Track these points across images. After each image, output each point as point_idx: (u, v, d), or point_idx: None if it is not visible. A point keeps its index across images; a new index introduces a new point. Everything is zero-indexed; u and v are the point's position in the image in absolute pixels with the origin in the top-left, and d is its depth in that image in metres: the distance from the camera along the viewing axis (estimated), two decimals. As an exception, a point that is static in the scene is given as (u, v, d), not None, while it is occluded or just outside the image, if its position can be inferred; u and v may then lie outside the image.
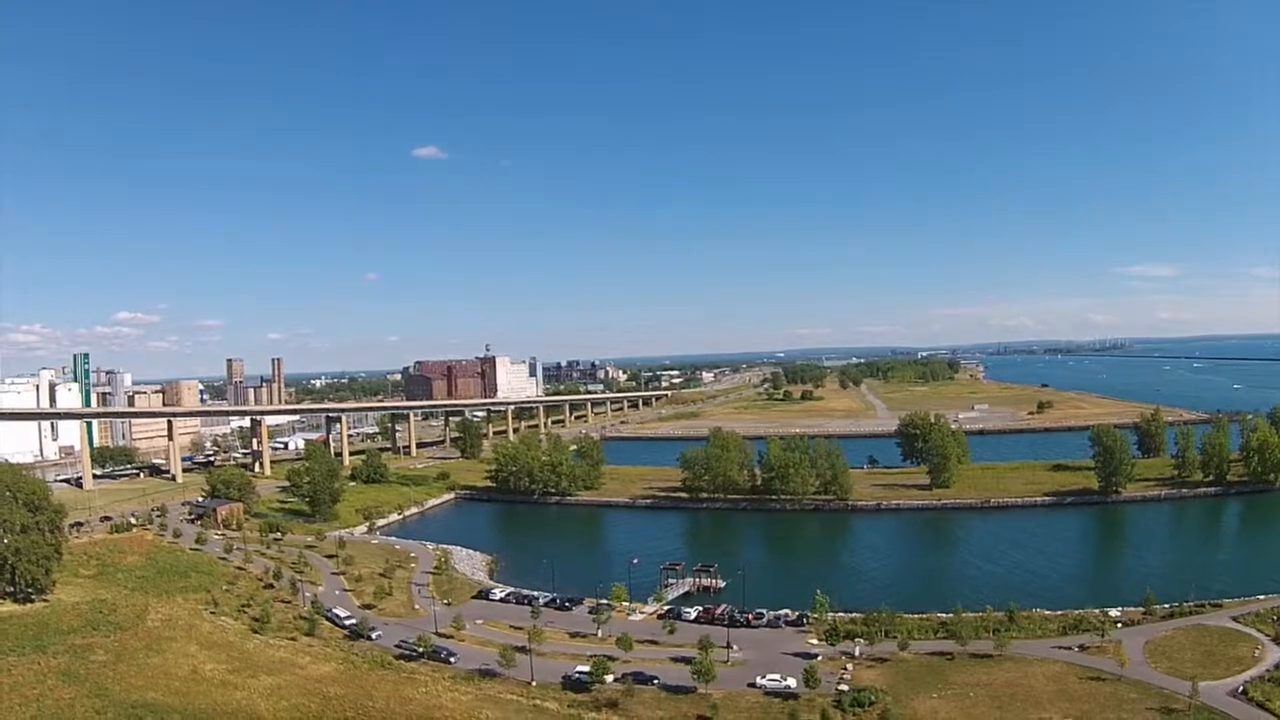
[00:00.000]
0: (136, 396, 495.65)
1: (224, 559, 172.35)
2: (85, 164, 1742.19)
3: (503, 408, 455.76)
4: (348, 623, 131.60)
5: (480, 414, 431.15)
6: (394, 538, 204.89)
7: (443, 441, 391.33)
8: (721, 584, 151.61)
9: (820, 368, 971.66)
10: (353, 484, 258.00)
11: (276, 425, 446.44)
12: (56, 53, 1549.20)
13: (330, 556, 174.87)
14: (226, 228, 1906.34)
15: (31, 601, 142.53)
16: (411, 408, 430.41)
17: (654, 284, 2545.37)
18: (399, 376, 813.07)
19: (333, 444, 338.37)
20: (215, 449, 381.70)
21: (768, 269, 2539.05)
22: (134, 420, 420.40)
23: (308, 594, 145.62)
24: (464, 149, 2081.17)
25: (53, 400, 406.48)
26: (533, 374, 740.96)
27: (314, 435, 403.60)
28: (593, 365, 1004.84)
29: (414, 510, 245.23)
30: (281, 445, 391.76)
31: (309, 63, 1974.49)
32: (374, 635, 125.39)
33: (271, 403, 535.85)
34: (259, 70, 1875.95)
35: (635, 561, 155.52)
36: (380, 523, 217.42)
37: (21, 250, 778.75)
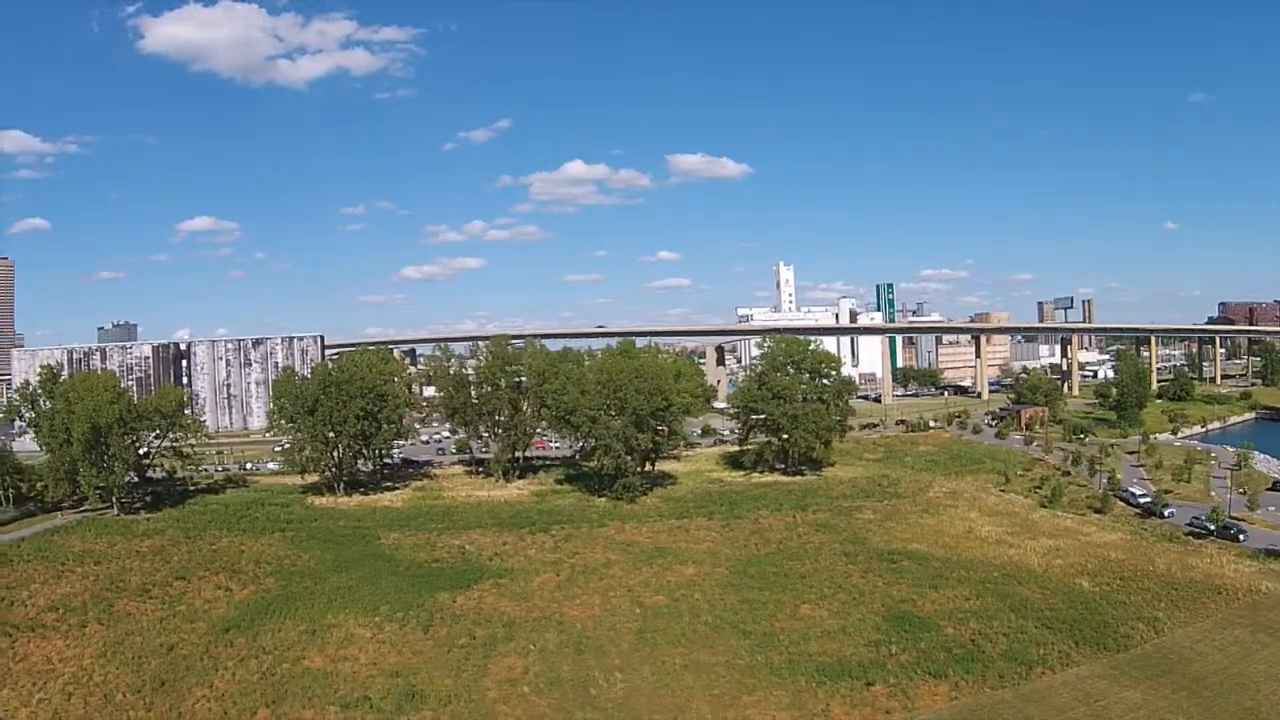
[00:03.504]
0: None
1: (1023, 450, 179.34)
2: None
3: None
4: (1141, 500, 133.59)
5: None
6: (1195, 442, 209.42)
7: (1245, 374, 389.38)
8: None
9: None
10: (1159, 402, 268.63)
11: (1085, 361, 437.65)
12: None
13: (1131, 452, 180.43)
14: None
15: (802, 474, 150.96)
16: (1217, 332, 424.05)
17: None
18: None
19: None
20: (1025, 377, 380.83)
21: None
22: (940, 350, 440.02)
23: (1104, 479, 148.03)
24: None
25: (853, 323, 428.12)
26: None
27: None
28: None
29: (1215, 425, 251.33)
30: (1090, 374, 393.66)
31: None
32: (1167, 513, 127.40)
33: (1081, 340, 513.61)
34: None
35: None
36: (1183, 432, 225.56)
37: (831, 222, 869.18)
